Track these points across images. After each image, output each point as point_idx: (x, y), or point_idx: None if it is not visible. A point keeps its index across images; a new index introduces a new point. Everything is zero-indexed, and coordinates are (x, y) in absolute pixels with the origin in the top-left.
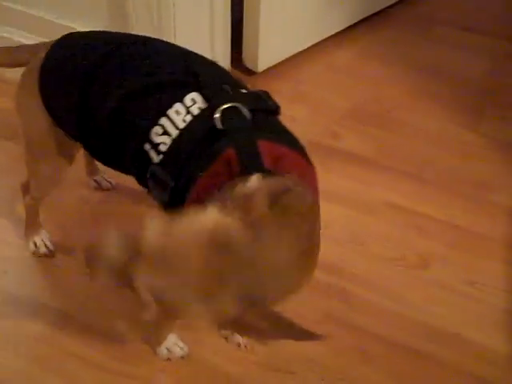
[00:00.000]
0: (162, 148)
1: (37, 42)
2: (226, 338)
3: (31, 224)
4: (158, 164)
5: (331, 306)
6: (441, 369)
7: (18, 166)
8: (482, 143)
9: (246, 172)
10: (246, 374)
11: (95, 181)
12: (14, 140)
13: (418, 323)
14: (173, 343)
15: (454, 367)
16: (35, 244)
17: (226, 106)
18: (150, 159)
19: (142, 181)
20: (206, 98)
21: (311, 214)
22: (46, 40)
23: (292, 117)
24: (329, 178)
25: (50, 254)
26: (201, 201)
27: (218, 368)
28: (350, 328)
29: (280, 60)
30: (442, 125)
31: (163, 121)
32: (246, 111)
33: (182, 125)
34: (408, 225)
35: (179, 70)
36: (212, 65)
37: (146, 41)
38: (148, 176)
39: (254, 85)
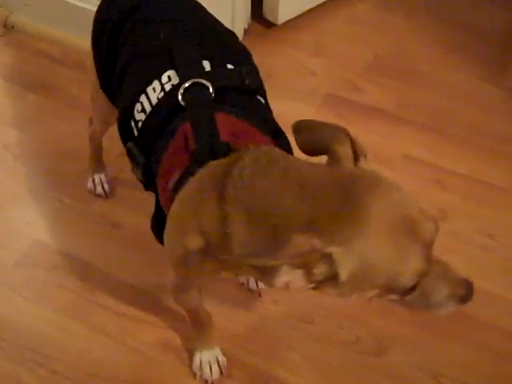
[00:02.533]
0: (140, 125)
1: None
2: (242, 284)
3: (94, 160)
4: (133, 141)
5: None
6: (458, 319)
7: (40, 116)
8: (504, 97)
9: (201, 145)
10: (269, 322)
11: (93, 181)
12: (37, 91)
13: None
14: (207, 361)
15: (471, 318)
16: (93, 181)
17: (190, 83)
18: (134, 136)
19: None
20: (178, 74)
21: None
22: None
23: (312, 70)
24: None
25: (105, 196)
26: (167, 177)
27: (243, 319)
28: None
29: (300, 12)
30: (465, 78)
31: (142, 98)
32: (210, 87)
33: (155, 101)
34: (428, 178)
35: (160, 46)
36: (211, 35)
37: None
38: (126, 154)
39: (273, 37)
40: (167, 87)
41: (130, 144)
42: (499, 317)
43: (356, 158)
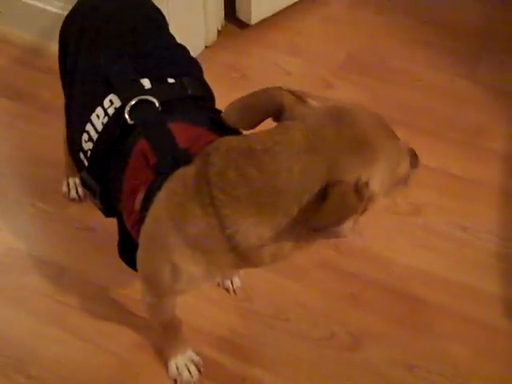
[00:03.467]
0: (89, 154)
1: None
2: (218, 284)
3: (69, 164)
4: (86, 170)
5: (323, 252)
6: (432, 311)
7: (15, 122)
8: (477, 91)
9: (162, 156)
10: (243, 321)
11: (68, 184)
12: (11, 97)
13: (409, 268)
14: (184, 365)
15: (445, 309)
16: (68, 185)
17: (134, 102)
18: (85, 166)
19: None
20: (119, 97)
21: None
22: None
23: (286, 70)
24: None
25: (79, 200)
26: (131, 199)
27: (218, 318)
28: (341, 274)
29: (274, 12)
30: (438, 73)
31: (88, 127)
32: (156, 102)
33: (100, 128)
34: None
35: (97, 72)
36: (154, 51)
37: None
38: (81, 184)
39: (248, 38)
40: (110, 111)
41: (83, 174)
42: (473, 308)
43: (303, 101)
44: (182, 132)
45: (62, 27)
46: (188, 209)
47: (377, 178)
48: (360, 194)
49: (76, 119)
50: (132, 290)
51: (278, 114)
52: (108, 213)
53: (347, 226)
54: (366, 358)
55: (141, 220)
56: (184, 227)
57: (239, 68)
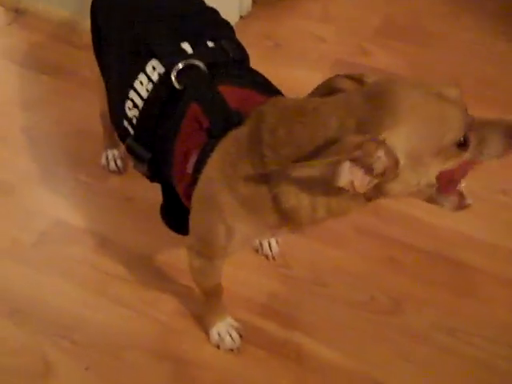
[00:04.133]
0: (134, 121)
1: None
2: (256, 251)
3: (107, 137)
4: (132, 138)
5: (362, 218)
6: (473, 275)
7: (54, 98)
8: None
9: (214, 119)
10: (282, 286)
11: (106, 157)
12: (51, 74)
13: (449, 231)
14: (226, 331)
15: (486, 273)
16: (107, 158)
17: (181, 66)
18: (130, 134)
19: None
20: (162, 62)
21: None
22: None
23: (321, 37)
24: None
25: (118, 172)
26: (184, 162)
27: (257, 285)
28: (380, 239)
29: None
30: (477, 35)
31: (131, 94)
32: (202, 66)
33: (145, 94)
34: None
35: (136, 38)
36: (185, 16)
37: None
38: (126, 150)
39: (281, 6)
40: (154, 77)
41: (129, 141)
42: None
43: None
44: (231, 94)
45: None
46: (240, 168)
47: (398, 142)
48: (367, 151)
49: (117, 87)
50: (172, 258)
51: None
52: (153, 178)
53: (344, 178)
54: (405, 322)
55: (193, 183)
56: (236, 186)
57: (274, 37)
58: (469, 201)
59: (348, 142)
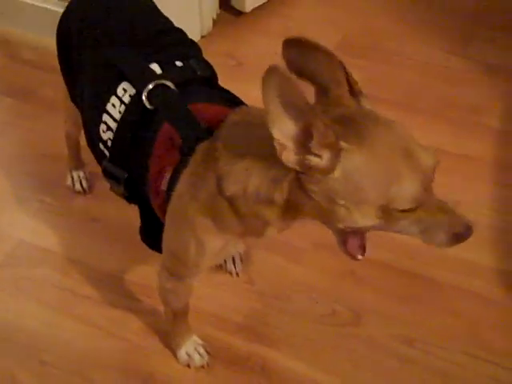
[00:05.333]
0: (109, 143)
1: None
2: (220, 267)
3: (72, 158)
4: (107, 159)
5: (319, 233)
6: (429, 286)
7: (17, 120)
8: (470, 68)
9: (186, 137)
10: (246, 303)
11: (72, 178)
12: (13, 96)
13: (405, 244)
14: (193, 349)
15: (442, 284)
16: (72, 178)
17: (151, 86)
18: (106, 156)
19: None
20: (132, 84)
21: None
22: None
23: (281, 55)
24: None
25: (84, 192)
26: (158, 180)
27: (222, 301)
28: (339, 253)
29: None
30: (431, 52)
31: (105, 117)
32: (172, 85)
33: (118, 116)
34: None
35: (104, 62)
36: (152, 37)
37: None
38: (102, 173)
39: (243, 25)
40: (126, 99)
41: (105, 163)
42: (470, 282)
43: (353, 94)
44: (201, 111)
45: (60, 23)
46: (200, 176)
47: (346, 166)
48: (319, 129)
49: (90, 111)
50: (138, 276)
51: (323, 91)
52: (130, 199)
53: (287, 129)
54: (366, 333)
55: (167, 200)
56: (197, 194)
57: (235, 56)
58: (360, 257)
59: (313, 111)
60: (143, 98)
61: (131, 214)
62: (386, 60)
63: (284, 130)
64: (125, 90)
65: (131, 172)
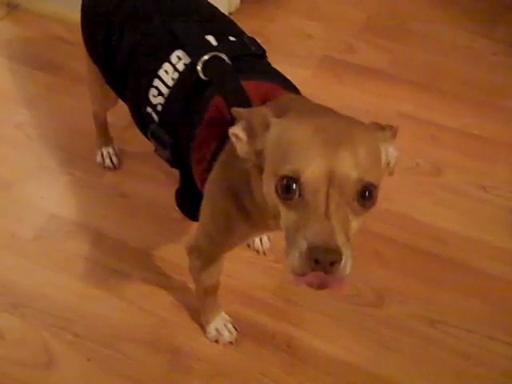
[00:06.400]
0: (159, 108)
1: None
2: (248, 246)
3: (101, 135)
4: (156, 123)
5: None
6: (452, 268)
7: (48, 94)
8: (495, 50)
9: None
10: (272, 280)
11: (101, 154)
12: (44, 70)
13: (431, 226)
14: (222, 325)
15: (465, 266)
16: (102, 155)
17: (206, 57)
18: (153, 120)
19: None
20: (187, 53)
21: None
22: None
23: (308, 34)
24: (344, 91)
25: (113, 168)
26: (204, 152)
27: (249, 279)
28: (364, 233)
29: None
30: (457, 34)
31: (156, 82)
32: (226, 59)
33: (171, 83)
34: (422, 134)
35: (160, 29)
36: (205, 13)
37: None
38: (149, 136)
39: (269, 4)
40: (180, 67)
41: (153, 127)
42: (492, 265)
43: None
44: (253, 88)
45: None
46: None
47: (273, 137)
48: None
49: (139, 76)
50: (167, 252)
51: None
52: (173, 163)
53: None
54: (389, 314)
55: (209, 169)
56: (230, 174)
57: (262, 33)
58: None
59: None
60: (198, 67)
61: (160, 192)
62: (411, 41)
63: (238, 125)
64: (179, 58)
65: (178, 137)
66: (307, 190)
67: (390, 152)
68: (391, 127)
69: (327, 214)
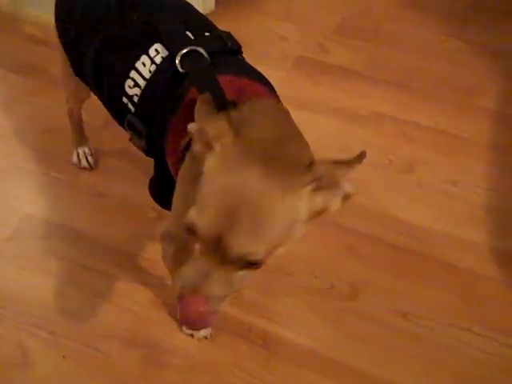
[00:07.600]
0: (135, 99)
1: None
2: None
3: (76, 135)
4: (133, 114)
5: None
6: (425, 262)
7: (23, 96)
8: (468, 50)
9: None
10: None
11: (77, 154)
12: (19, 72)
13: (403, 222)
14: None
15: (436, 260)
16: (78, 155)
17: (185, 51)
18: (129, 110)
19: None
20: (166, 46)
21: None
22: None
23: (282, 35)
24: (319, 92)
25: (90, 168)
26: (177, 140)
27: None
28: (338, 228)
29: None
30: (429, 34)
31: (133, 74)
32: (204, 53)
33: (148, 75)
34: (395, 132)
35: (140, 22)
36: (180, 10)
37: None
38: (125, 125)
39: (244, 5)
40: (157, 60)
41: (129, 117)
42: (463, 258)
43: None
44: (229, 84)
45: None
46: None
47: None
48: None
49: (114, 68)
50: (144, 250)
51: None
52: (148, 152)
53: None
54: (362, 307)
55: (182, 159)
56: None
57: (237, 35)
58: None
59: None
60: (176, 61)
61: (136, 191)
62: (384, 41)
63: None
64: (157, 51)
65: (153, 127)
66: (200, 240)
67: (329, 199)
68: (350, 162)
69: (211, 263)
